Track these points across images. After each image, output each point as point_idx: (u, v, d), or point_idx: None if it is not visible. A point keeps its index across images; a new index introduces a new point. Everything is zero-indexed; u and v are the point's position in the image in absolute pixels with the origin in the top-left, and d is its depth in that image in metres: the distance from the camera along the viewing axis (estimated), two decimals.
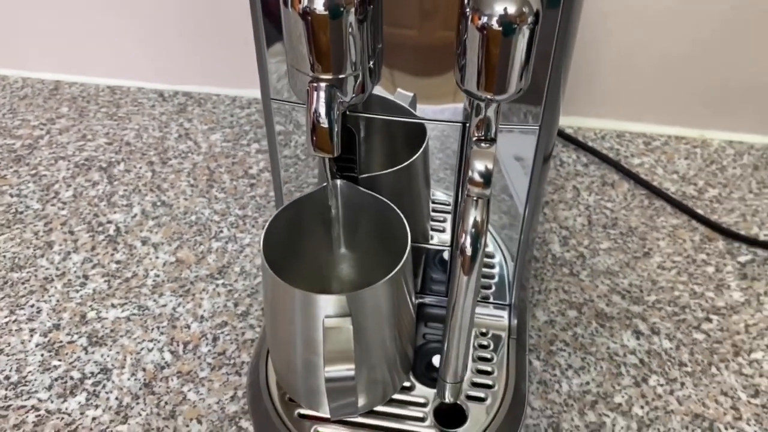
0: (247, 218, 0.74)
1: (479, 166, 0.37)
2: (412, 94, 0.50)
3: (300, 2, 0.36)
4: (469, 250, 0.40)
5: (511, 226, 0.54)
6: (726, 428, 0.56)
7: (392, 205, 0.46)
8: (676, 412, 0.57)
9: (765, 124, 0.83)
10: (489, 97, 0.36)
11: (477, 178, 0.37)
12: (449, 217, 0.64)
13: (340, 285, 0.53)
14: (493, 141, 0.38)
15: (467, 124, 0.45)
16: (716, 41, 0.77)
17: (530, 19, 0.34)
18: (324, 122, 0.38)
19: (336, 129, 0.39)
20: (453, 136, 0.52)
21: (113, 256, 0.70)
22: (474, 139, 0.38)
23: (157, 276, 0.68)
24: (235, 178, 0.79)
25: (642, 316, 0.64)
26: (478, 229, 0.40)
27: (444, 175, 0.56)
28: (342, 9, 0.36)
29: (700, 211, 0.75)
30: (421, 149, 0.51)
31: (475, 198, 0.38)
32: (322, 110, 0.39)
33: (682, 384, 0.59)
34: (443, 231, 0.63)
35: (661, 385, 0.59)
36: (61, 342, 0.62)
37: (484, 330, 0.56)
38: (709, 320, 0.64)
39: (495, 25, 0.34)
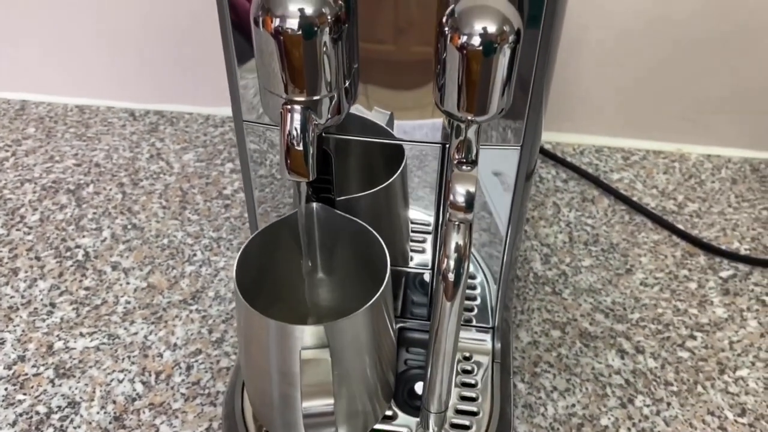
0: (222, 240, 0.72)
1: (461, 189, 0.35)
2: (389, 113, 0.49)
3: (272, 22, 0.35)
4: (451, 276, 0.39)
5: (491, 243, 0.53)
6: None
7: (370, 228, 0.45)
8: None
9: (741, 138, 0.83)
10: (470, 118, 0.35)
11: (459, 202, 0.35)
12: (429, 237, 0.62)
13: (317, 312, 0.52)
14: (474, 163, 0.36)
15: (447, 145, 0.44)
16: (692, 56, 0.77)
17: (511, 38, 0.33)
18: (299, 146, 0.37)
19: (311, 152, 0.38)
20: (432, 155, 0.51)
21: (82, 283, 0.67)
22: (455, 162, 0.37)
23: (128, 303, 0.65)
24: (209, 199, 0.77)
25: (626, 334, 0.63)
26: (461, 253, 0.38)
27: (423, 194, 0.55)
28: (316, 29, 0.35)
29: (680, 226, 0.74)
30: (399, 170, 0.49)
31: (457, 222, 0.37)
32: (297, 133, 0.37)
33: (669, 404, 0.58)
34: (423, 252, 0.61)
35: (648, 406, 0.58)
36: (26, 374, 0.59)
37: (467, 354, 0.54)
38: (693, 337, 0.63)
39: (475, 45, 0.33)
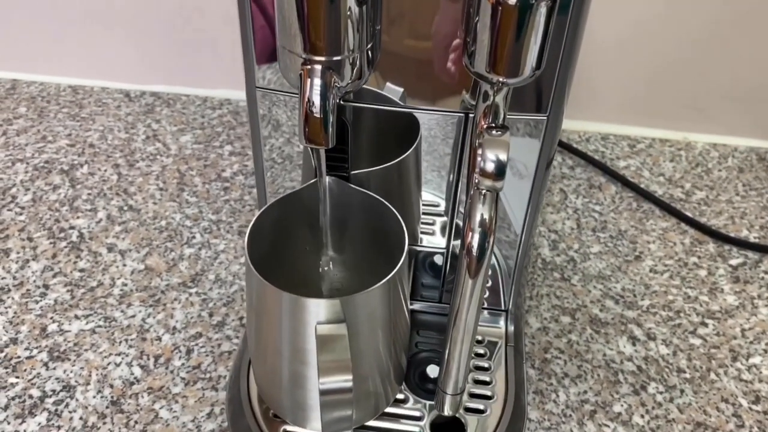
0: (221, 223, 0.70)
1: (491, 155, 0.33)
2: (401, 90, 0.47)
3: None
4: (475, 251, 0.37)
5: (500, 228, 0.51)
6: None
7: (387, 204, 0.43)
8: (678, 421, 0.54)
9: (748, 127, 0.83)
10: (501, 80, 0.33)
11: (489, 168, 0.33)
12: (438, 220, 0.61)
13: (329, 288, 0.50)
14: (505, 128, 0.35)
15: (469, 115, 0.42)
16: (700, 45, 0.76)
17: None
18: (318, 111, 0.35)
19: (331, 118, 0.36)
20: (440, 136, 0.49)
21: (76, 264, 0.65)
22: (484, 126, 0.35)
23: (125, 285, 0.63)
24: (208, 182, 0.74)
25: (637, 321, 0.62)
26: (486, 227, 0.37)
27: (431, 177, 0.53)
28: None
29: (688, 214, 0.73)
30: (414, 144, 0.48)
31: (484, 191, 0.35)
32: (316, 97, 0.35)
33: (682, 391, 0.57)
34: (432, 234, 0.60)
35: (661, 393, 0.56)
36: (18, 357, 0.56)
37: (479, 337, 0.53)
38: (705, 325, 0.62)
39: (511, 0, 0.31)
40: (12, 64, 0.87)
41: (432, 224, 0.60)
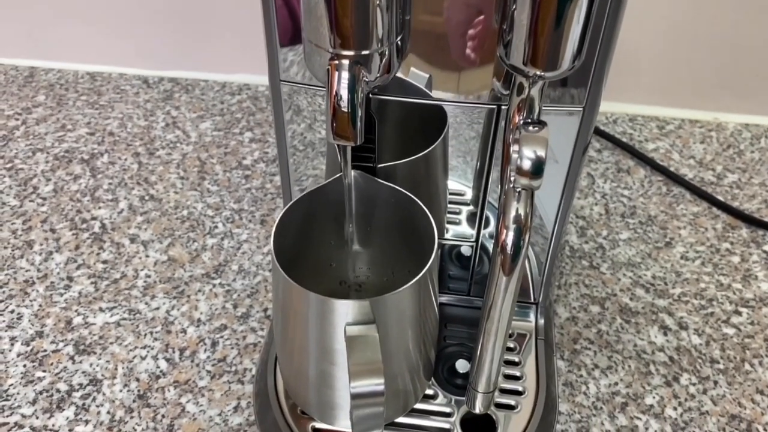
0: (243, 212, 0.69)
1: (529, 153, 0.32)
2: (427, 75, 0.46)
3: None
4: (510, 248, 0.36)
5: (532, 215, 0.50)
6: (765, 429, 0.52)
7: (416, 199, 0.42)
8: (712, 413, 0.53)
9: None
10: (538, 73, 0.32)
11: (527, 166, 0.32)
12: (465, 209, 0.59)
13: (356, 285, 0.49)
14: (543, 123, 0.33)
15: (502, 107, 0.40)
16: (730, 20, 0.74)
17: None
18: (346, 106, 0.34)
19: (360, 114, 0.35)
20: (466, 122, 0.48)
21: (99, 256, 0.64)
22: (521, 122, 0.33)
23: (148, 276, 0.63)
24: (229, 170, 0.74)
25: (668, 310, 0.61)
26: (521, 224, 0.35)
27: (457, 164, 0.52)
28: None
29: (720, 198, 0.71)
30: (442, 136, 0.46)
31: (519, 189, 0.34)
32: (345, 92, 0.34)
33: (716, 383, 0.55)
34: (459, 224, 0.59)
35: (694, 384, 0.55)
36: (45, 351, 0.56)
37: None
38: (739, 313, 0.61)
39: None
40: (30, 51, 0.87)
41: (458, 213, 0.59)
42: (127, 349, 0.57)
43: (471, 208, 0.59)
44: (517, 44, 0.31)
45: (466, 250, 0.55)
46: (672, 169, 0.74)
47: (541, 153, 0.32)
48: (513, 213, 0.35)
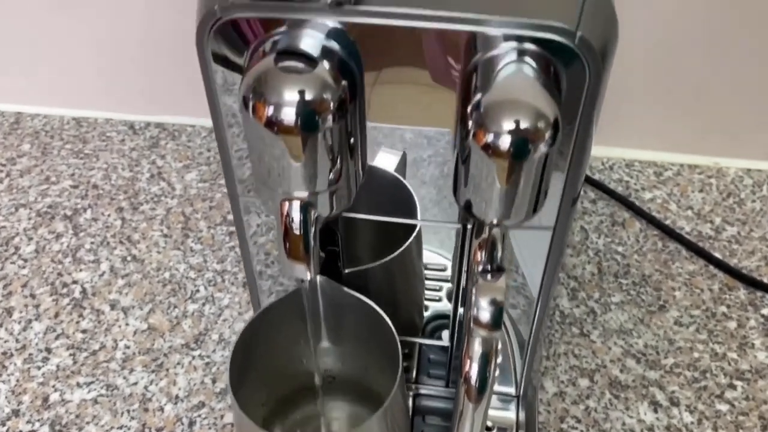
0: (226, 274, 0.67)
1: (484, 304, 0.30)
2: (400, 154, 0.44)
3: (264, 109, 0.30)
4: (475, 381, 0.34)
5: (511, 285, 0.46)
6: None
7: (382, 314, 0.40)
8: None
9: None
10: (494, 221, 0.30)
11: (484, 318, 0.30)
12: (444, 285, 0.58)
13: (329, 378, 0.47)
14: (500, 271, 0.31)
15: (467, 226, 0.39)
16: (729, 63, 0.71)
17: (548, 134, 0.28)
18: (299, 250, 0.32)
19: (313, 249, 0.33)
20: (437, 159, 0.43)
21: (79, 324, 0.63)
22: (478, 269, 0.32)
23: (128, 347, 0.62)
24: (213, 226, 0.72)
25: (659, 383, 0.59)
26: (488, 359, 0.34)
27: (435, 212, 0.48)
28: (317, 118, 0.30)
29: (718, 255, 0.69)
30: (413, 235, 0.44)
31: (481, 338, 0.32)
32: (296, 232, 0.32)
33: None
34: (438, 300, 0.57)
35: None
36: None
37: (489, 424, 0.50)
38: (733, 387, 0.59)
39: (504, 146, 0.28)
40: (16, 96, 0.85)
41: (438, 290, 0.57)
42: (104, 430, 0.56)
43: (450, 285, 0.57)
44: (471, 191, 0.29)
45: (445, 337, 0.53)
46: (669, 221, 0.72)
47: (500, 299, 0.31)
48: (477, 351, 0.33)
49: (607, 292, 0.66)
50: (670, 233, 0.70)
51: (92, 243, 0.70)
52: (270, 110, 0.29)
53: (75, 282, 0.67)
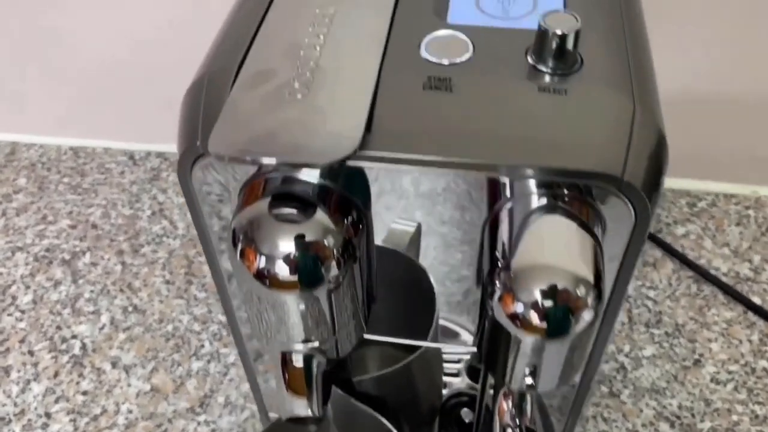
0: None
1: None
2: (414, 226, 0.40)
3: (255, 259, 0.25)
4: None
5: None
6: None
7: (392, 428, 0.36)
8: None
9: None
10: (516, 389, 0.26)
11: None
12: (463, 357, 0.54)
13: None
14: None
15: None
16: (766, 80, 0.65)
17: (590, 302, 0.23)
18: (302, 406, 0.28)
19: (316, 397, 0.29)
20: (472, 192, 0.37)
21: (79, 385, 0.60)
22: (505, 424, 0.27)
23: (130, 412, 0.58)
24: None
25: None
26: None
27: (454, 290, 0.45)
28: (319, 274, 0.25)
29: (757, 299, 0.64)
30: (431, 331, 0.40)
31: None
32: (301, 384, 0.28)
33: None
34: (457, 374, 0.53)
35: None
36: None
37: None
38: None
39: (535, 319, 0.23)
40: (12, 125, 0.81)
41: (456, 362, 0.53)
42: None
43: (468, 358, 0.54)
44: (496, 357, 0.25)
45: (466, 413, 0.49)
46: (704, 260, 0.67)
47: None
48: None
49: (638, 345, 0.62)
50: (705, 275, 0.66)
51: (92, 291, 0.67)
52: (261, 262, 0.25)
53: (74, 336, 0.64)
